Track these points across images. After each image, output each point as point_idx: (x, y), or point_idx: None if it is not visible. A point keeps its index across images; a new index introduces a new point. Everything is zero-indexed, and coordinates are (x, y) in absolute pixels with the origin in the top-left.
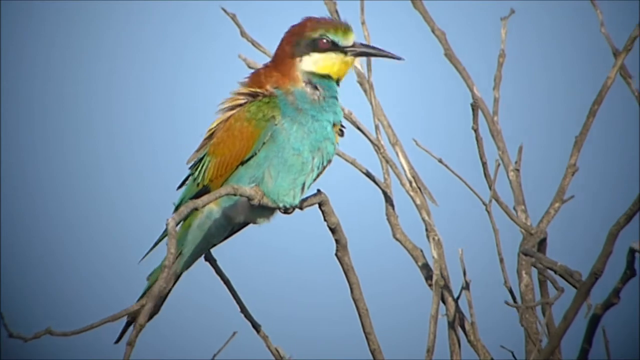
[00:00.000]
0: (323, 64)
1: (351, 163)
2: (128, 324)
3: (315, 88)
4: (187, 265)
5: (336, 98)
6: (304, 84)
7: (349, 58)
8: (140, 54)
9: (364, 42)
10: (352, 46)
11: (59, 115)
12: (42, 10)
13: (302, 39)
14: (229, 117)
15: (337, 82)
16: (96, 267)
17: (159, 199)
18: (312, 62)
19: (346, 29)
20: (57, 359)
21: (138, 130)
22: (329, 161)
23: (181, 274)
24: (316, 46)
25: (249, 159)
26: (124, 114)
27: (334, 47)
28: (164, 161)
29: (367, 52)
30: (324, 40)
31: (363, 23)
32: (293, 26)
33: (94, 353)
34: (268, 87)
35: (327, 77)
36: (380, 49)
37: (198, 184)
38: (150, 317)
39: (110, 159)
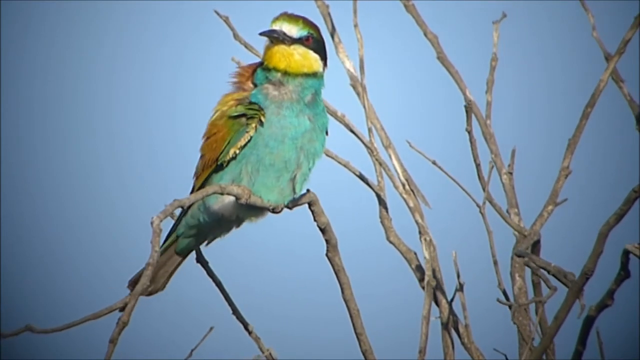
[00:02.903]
0: (263, 54)
1: (344, 166)
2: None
3: (274, 85)
4: (188, 248)
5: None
6: (262, 85)
7: (268, 43)
8: (135, 57)
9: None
10: (269, 32)
11: (59, 115)
12: (42, 10)
13: None
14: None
15: (287, 73)
16: (96, 267)
17: (158, 198)
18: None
19: (275, 17)
20: (45, 359)
21: (136, 130)
22: (317, 157)
23: (184, 256)
24: None
25: (228, 160)
26: (122, 114)
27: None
28: (162, 161)
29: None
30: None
31: (356, 26)
32: None
33: (76, 350)
34: (247, 93)
35: (275, 70)
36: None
37: (194, 185)
38: (155, 292)
39: (110, 159)
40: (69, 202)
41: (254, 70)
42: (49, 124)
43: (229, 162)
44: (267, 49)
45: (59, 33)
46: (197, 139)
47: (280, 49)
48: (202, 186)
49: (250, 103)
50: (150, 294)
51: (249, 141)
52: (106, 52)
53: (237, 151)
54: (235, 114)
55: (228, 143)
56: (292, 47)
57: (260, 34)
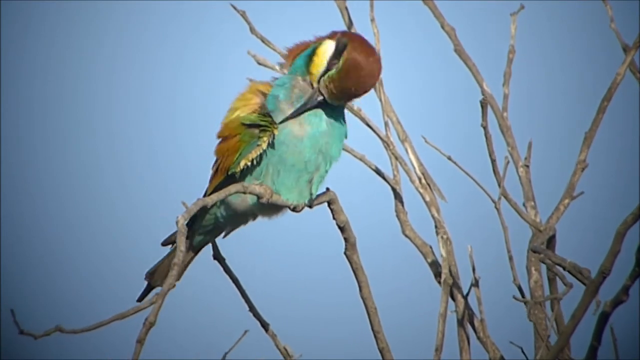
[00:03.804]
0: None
1: (360, 159)
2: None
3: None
4: (204, 242)
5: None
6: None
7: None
8: (147, 51)
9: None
10: None
11: (59, 115)
12: (42, 10)
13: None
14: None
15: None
16: (97, 267)
17: (159, 198)
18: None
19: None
20: (65, 359)
21: (140, 129)
22: (335, 159)
23: (200, 249)
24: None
25: (239, 171)
26: (126, 113)
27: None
28: (162, 161)
29: None
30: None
31: (372, 20)
32: None
33: (100, 352)
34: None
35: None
36: None
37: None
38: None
39: (110, 159)
40: (69, 202)
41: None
42: (49, 124)
43: (241, 172)
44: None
45: (59, 33)
46: (204, 140)
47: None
48: (220, 185)
49: (265, 114)
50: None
51: (261, 154)
52: (115, 50)
53: (248, 164)
54: (248, 122)
55: (240, 154)
56: None
57: None
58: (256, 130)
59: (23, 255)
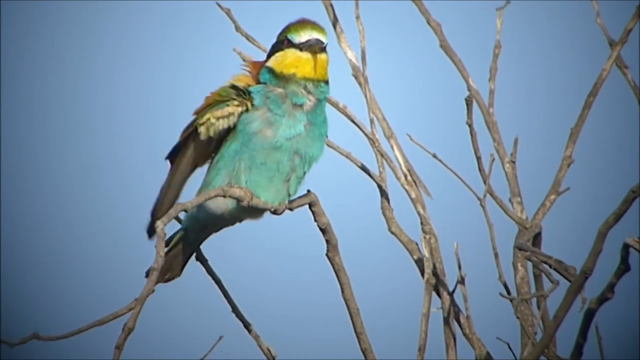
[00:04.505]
0: (280, 60)
1: (346, 156)
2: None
3: (274, 86)
4: (198, 239)
5: (296, 102)
6: (264, 83)
7: (303, 53)
8: (135, 55)
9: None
10: (306, 42)
11: (59, 115)
12: (42, 10)
13: (275, 42)
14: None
15: (305, 82)
16: (96, 267)
17: (147, 199)
18: (273, 59)
19: (302, 26)
20: None
21: (136, 128)
22: (314, 161)
23: (197, 245)
24: (280, 47)
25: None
26: (122, 112)
27: (290, 44)
28: (162, 161)
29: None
30: (287, 41)
31: (358, 17)
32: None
33: (82, 356)
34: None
35: (289, 77)
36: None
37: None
38: (172, 278)
39: (110, 159)
40: (69, 202)
41: (260, 67)
42: (49, 124)
43: (221, 152)
44: (294, 56)
45: (59, 33)
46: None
47: (319, 59)
48: (202, 186)
49: (245, 92)
50: (167, 280)
51: (238, 133)
52: (106, 52)
53: (214, 120)
54: (230, 86)
55: (210, 108)
56: (322, 55)
57: (304, 45)
58: (232, 91)
59: (23, 255)
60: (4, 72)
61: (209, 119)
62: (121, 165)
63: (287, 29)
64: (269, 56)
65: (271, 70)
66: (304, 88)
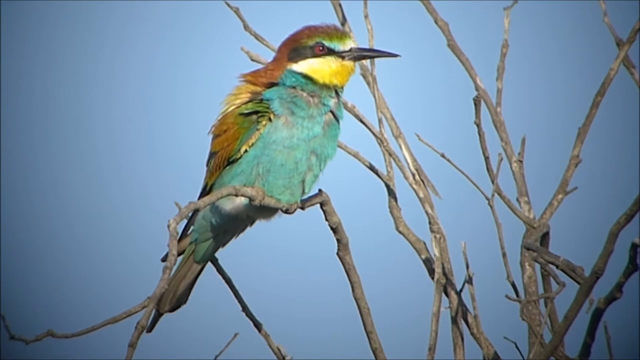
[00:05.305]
0: (319, 67)
1: (354, 156)
2: (158, 314)
3: (302, 90)
4: (207, 255)
5: (326, 105)
6: (286, 85)
7: (347, 62)
8: (142, 48)
9: (363, 45)
10: (349, 51)
11: (59, 115)
12: (42, 10)
13: (299, 46)
14: (224, 114)
15: (336, 90)
16: (97, 267)
17: (159, 198)
18: (308, 66)
19: (342, 35)
20: None
21: (139, 127)
22: (329, 159)
23: (204, 263)
24: (313, 53)
25: (238, 158)
26: (126, 111)
27: (330, 52)
28: (164, 159)
29: (364, 54)
30: (320, 47)
31: (366, 16)
32: (291, 34)
33: (95, 354)
34: (260, 88)
35: (317, 83)
36: (376, 50)
37: (206, 182)
38: (178, 307)
39: (110, 159)
40: (69, 202)
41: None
42: (49, 124)
43: (239, 160)
44: (338, 64)
45: (59, 33)
46: (200, 137)
47: (349, 66)
48: (213, 185)
49: (261, 101)
50: (173, 309)
51: (258, 139)
52: (111, 48)
53: (248, 149)
54: (247, 111)
55: (240, 141)
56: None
57: (347, 54)
58: (254, 117)
59: (23, 255)
60: (4, 72)
61: (246, 149)
62: (121, 165)
63: (318, 34)
64: (292, 59)
65: (305, 76)
66: (334, 91)
